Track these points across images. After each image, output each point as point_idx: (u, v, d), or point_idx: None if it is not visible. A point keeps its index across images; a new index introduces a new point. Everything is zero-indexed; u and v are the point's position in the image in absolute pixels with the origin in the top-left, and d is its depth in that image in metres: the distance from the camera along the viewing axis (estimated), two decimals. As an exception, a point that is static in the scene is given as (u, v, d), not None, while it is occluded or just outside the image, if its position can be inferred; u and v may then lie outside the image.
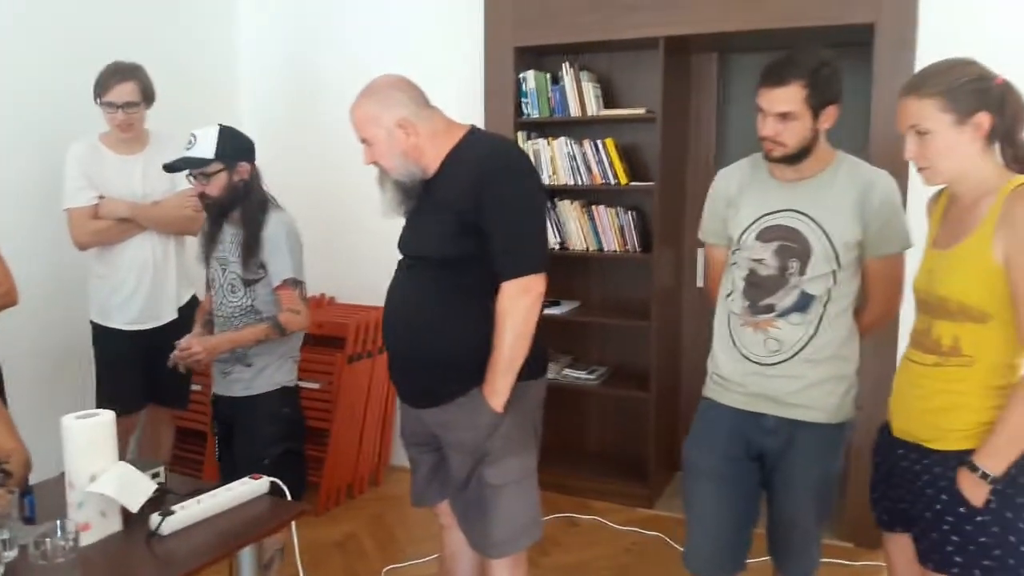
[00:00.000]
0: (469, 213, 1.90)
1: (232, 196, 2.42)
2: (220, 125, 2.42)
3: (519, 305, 1.91)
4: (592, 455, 3.96)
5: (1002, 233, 1.52)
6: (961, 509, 1.57)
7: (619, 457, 3.89)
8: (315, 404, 3.59)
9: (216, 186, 2.40)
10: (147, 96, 2.92)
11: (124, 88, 2.84)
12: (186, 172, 2.43)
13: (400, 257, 2.10)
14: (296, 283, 2.43)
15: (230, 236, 2.45)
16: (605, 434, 3.97)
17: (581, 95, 3.53)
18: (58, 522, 1.48)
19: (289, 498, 1.97)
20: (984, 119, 1.56)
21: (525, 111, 3.62)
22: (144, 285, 2.99)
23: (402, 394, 2.13)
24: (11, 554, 1.59)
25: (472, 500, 2.02)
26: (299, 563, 2.14)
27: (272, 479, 1.96)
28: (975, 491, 1.56)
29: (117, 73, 2.85)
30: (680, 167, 3.68)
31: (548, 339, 3.85)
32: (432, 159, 1.98)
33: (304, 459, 2.58)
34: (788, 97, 1.86)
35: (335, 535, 3.35)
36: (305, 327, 2.50)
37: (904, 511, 1.72)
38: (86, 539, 1.65)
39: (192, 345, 2.38)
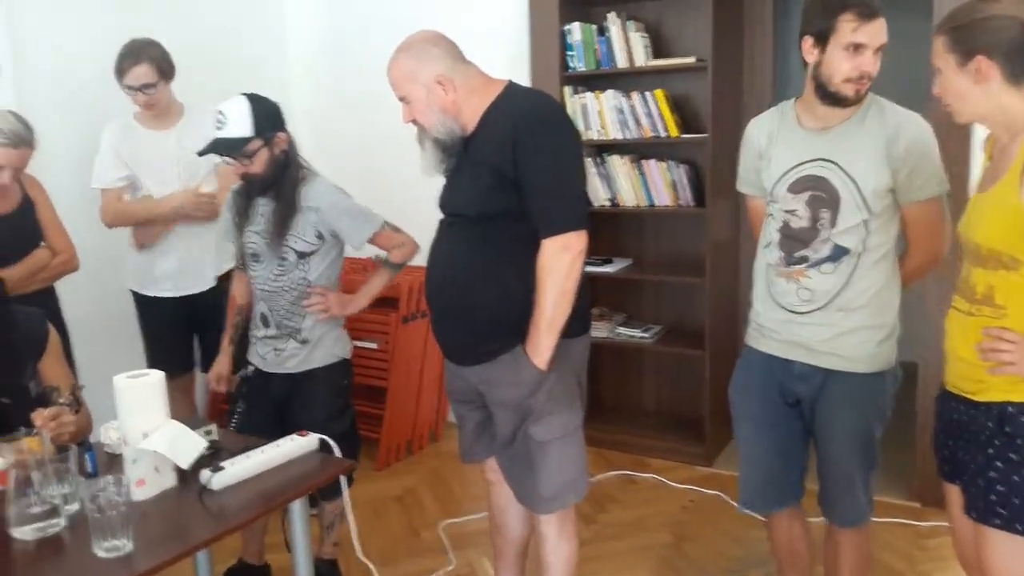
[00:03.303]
0: (507, 169, 1.87)
1: (275, 170, 2.32)
2: (245, 96, 2.29)
3: (560, 263, 1.88)
4: (648, 413, 3.93)
5: None
6: (1012, 455, 1.51)
7: (676, 415, 3.86)
8: (372, 363, 3.67)
9: (259, 164, 2.30)
10: (164, 72, 2.89)
11: (138, 71, 2.83)
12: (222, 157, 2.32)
13: (441, 216, 2.09)
14: (381, 227, 2.41)
15: (272, 209, 2.37)
16: (661, 392, 3.93)
17: (628, 46, 3.44)
18: (110, 478, 1.54)
19: (338, 454, 2.01)
20: (983, 63, 1.47)
21: (571, 65, 3.55)
22: (181, 255, 3.02)
23: (446, 352, 2.14)
24: (72, 507, 1.66)
25: (518, 456, 2.02)
26: (351, 520, 2.19)
27: (321, 436, 2.00)
28: None
29: (129, 56, 2.84)
30: (735, 117, 3.56)
31: (601, 297, 3.87)
32: (470, 115, 1.96)
33: (357, 427, 2.60)
34: (884, 27, 1.81)
35: (394, 490, 3.43)
36: (416, 250, 2.48)
37: (958, 461, 1.66)
38: (141, 494, 1.71)
39: (328, 302, 2.39)
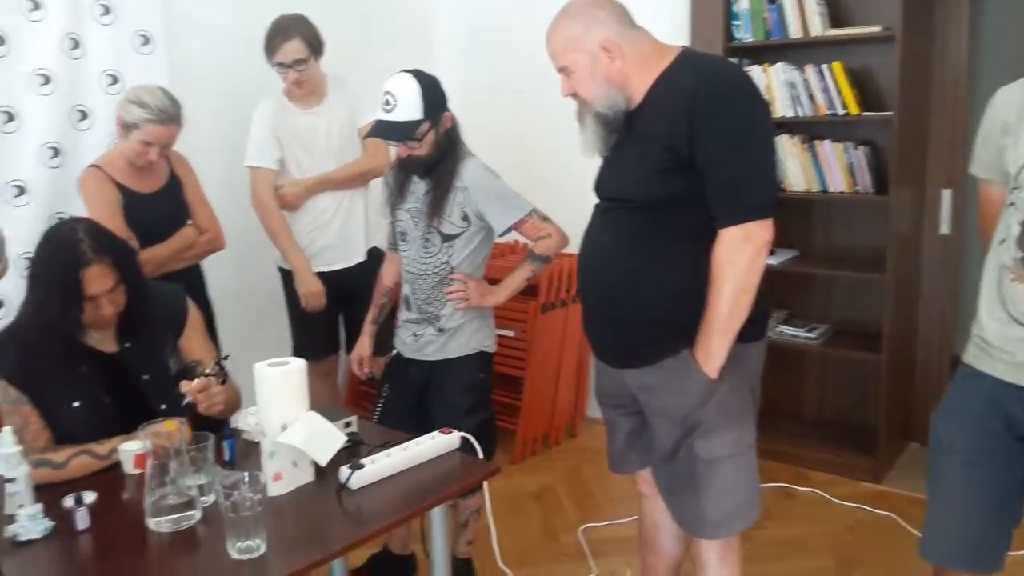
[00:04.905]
0: (681, 147, 1.64)
1: (439, 152, 2.20)
2: (412, 75, 2.15)
3: (740, 256, 1.64)
4: (809, 421, 3.58)
5: None
6: None
7: (841, 425, 3.49)
8: (510, 352, 3.52)
9: (426, 146, 2.17)
10: (315, 48, 2.81)
11: (290, 47, 2.74)
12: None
13: (596, 200, 1.88)
14: (529, 213, 2.23)
15: (424, 187, 2.27)
16: (825, 399, 3.57)
17: (803, 13, 3.10)
18: (246, 475, 1.44)
19: (481, 457, 1.86)
20: None
21: (736, 35, 3.25)
22: (339, 226, 2.97)
23: (599, 352, 1.93)
24: (208, 499, 1.59)
25: (680, 474, 1.80)
26: (491, 523, 2.04)
27: (464, 435, 1.86)
28: None
29: (279, 32, 2.76)
30: (922, 94, 3.15)
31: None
32: (638, 87, 1.73)
33: (495, 422, 2.44)
34: None
35: (531, 486, 3.28)
36: (564, 243, 2.29)
37: None
38: (277, 489, 1.62)
39: (468, 291, 2.25)
